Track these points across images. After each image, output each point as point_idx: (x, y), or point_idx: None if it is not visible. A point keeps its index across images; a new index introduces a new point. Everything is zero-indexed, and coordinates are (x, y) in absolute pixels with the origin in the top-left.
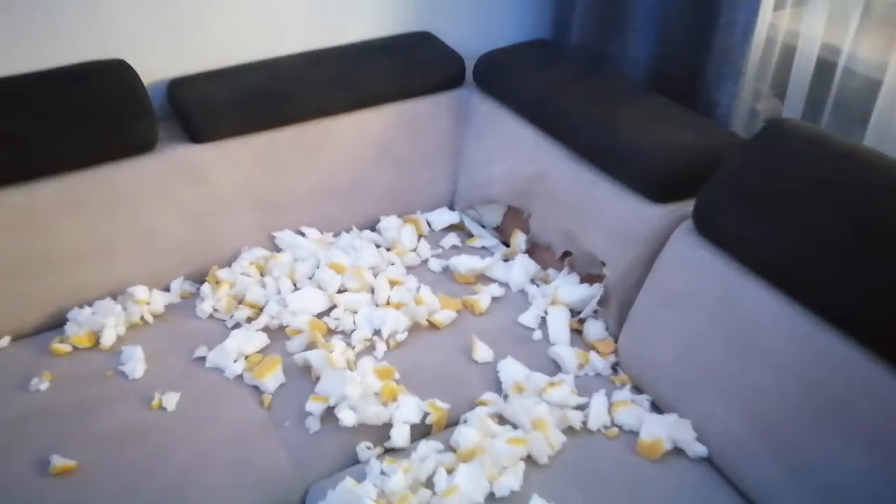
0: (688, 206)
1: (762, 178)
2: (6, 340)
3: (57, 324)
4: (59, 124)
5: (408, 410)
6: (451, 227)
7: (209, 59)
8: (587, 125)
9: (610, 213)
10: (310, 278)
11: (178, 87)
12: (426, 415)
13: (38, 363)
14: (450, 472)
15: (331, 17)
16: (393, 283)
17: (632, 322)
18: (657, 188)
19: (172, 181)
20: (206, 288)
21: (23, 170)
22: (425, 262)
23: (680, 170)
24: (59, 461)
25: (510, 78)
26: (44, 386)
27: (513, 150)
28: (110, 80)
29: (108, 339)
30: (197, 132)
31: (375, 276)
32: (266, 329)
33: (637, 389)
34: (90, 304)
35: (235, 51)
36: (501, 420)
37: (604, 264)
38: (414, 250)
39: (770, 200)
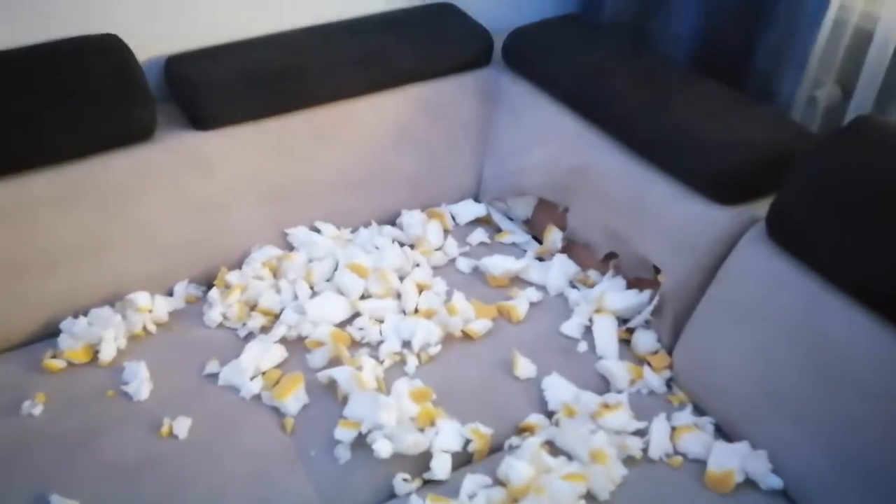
0: (756, 208)
1: (850, 181)
2: None
3: (48, 334)
4: (42, 109)
5: (448, 437)
6: (477, 221)
7: (209, 34)
8: (639, 114)
9: (667, 214)
10: (328, 280)
11: (177, 66)
12: (468, 441)
13: (28, 382)
14: None
15: None
16: (421, 288)
17: (690, 335)
18: (723, 188)
19: (173, 172)
20: (214, 293)
21: (2, 161)
22: (452, 261)
23: (750, 168)
24: (59, 502)
25: (545, 57)
26: (37, 410)
27: (550, 138)
28: (102, 57)
29: (107, 354)
30: (200, 117)
31: (401, 278)
32: (283, 340)
33: (697, 409)
34: (85, 313)
35: (238, 24)
36: (552, 448)
37: (658, 270)
38: (440, 248)
39: (861, 206)
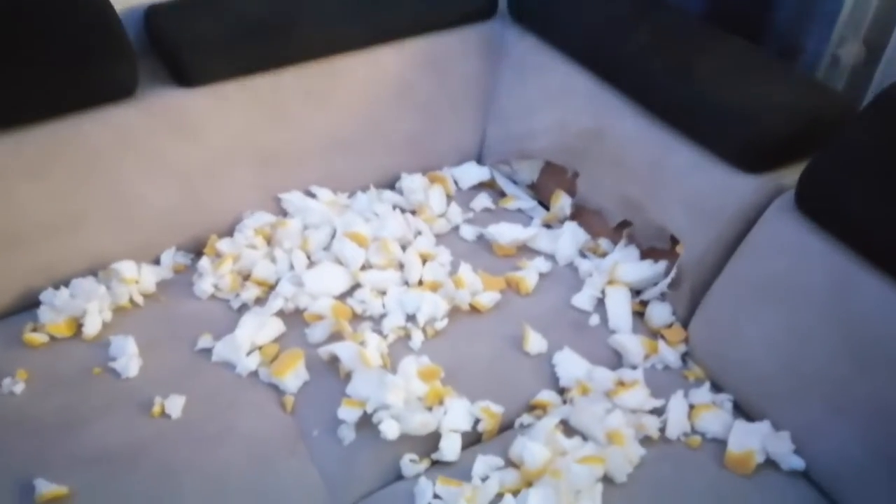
0: (782, 177)
1: (891, 150)
2: None
3: (26, 305)
4: (6, 65)
5: (457, 417)
6: (480, 186)
7: None
8: (659, 74)
9: (688, 181)
10: (325, 249)
11: (156, 17)
12: (477, 421)
13: (8, 358)
14: (515, 493)
15: None
16: (424, 258)
17: (708, 309)
18: (750, 155)
19: (154, 134)
20: (204, 262)
21: None
22: (456, 228)
23: (778, 134)
24: (46, 487)
25: (556, 10)
26: (18, 388)
27: (561, 99)
28: (74, 7)
29: (91, 328)
30: (184, 73)
31: (403, 247)
32: (280, 313)
33: (713, 385)
34: (66, 284)
35: None
36: (566, 428)
37: (675, 240)
38: (443, 215)
39: None
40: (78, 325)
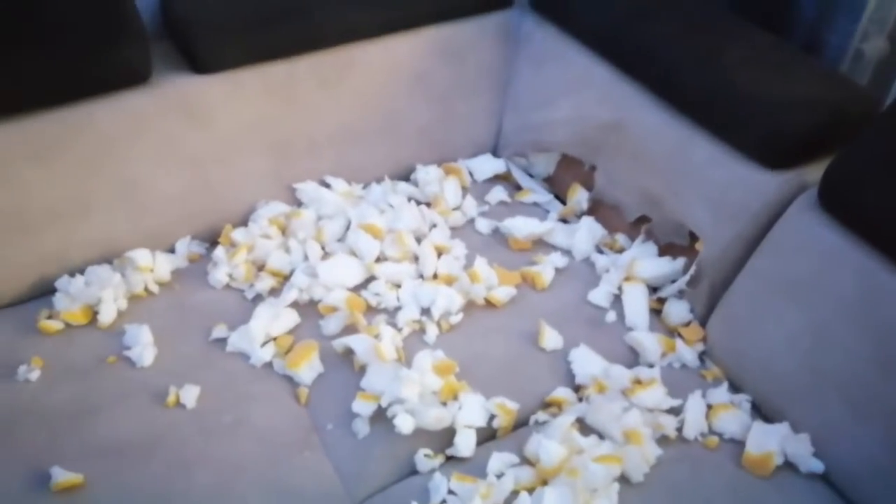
0: (806, 174)
1: None
2: None
3: (41, 292)
4: (16, 49)
5: (472, 412)
6: (495, 178)
7: None
8: (681, 67)
9: (709, 177)
10: (339, 241)
11: (171, 1)
12: (492, 417)
13: (23, 345)
14: (530, 491)
15: None
16: (439, 251)
17: (727, 307)
18: (773, 151)
19: (166, 121)
20: (219, 251)
21: None
22: (471, 221)
23: (804, 130)
24: (61, 475)
25: None
26: (34, 375)
27: (579, 90)
28: None
29: (107, 316)
30: (200, 60)
31: (417, 240)
32: (295, 304)
33: (731, 385)
34: (81, 271)
35: None
36: (582, 426)
37: (694, 237)
38: (458, 208)
39: None
40: (93, 313)
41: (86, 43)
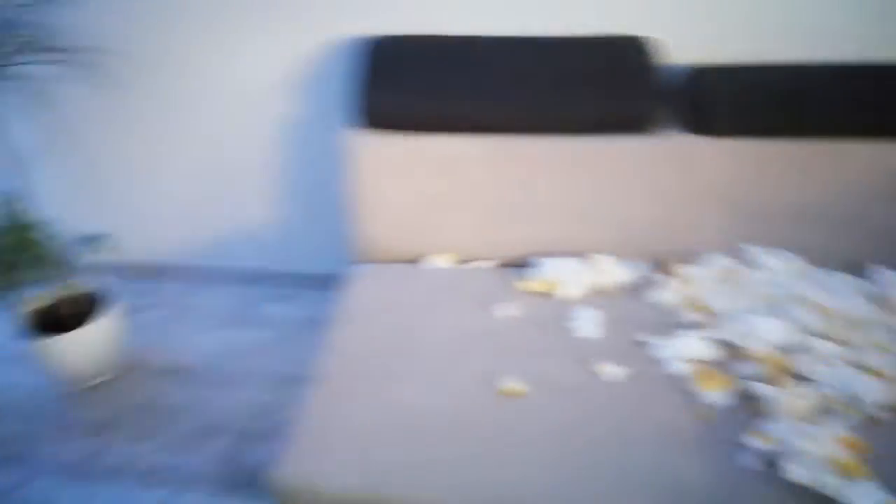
0: None
1: None
2: (492, 263)
3: (516, 264)
4: (559, 87)
5: (865, 498)
6: None
7: (734, 51)
8: None
9: None
10: (775, 306)
11: (700, 75)
12: None
13: (503, 292)
14: None
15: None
16: (878, 347)
17: None
18: None
19: (656, 163)
20: (664, 278)
21: (531, 124)
22: None
23: None
24: (510, 382)
25: None
26: (502, 313)
27: None
28: (623, 53)
29: (566, 293)
30: (702, 123)
31: (860, 330)
32: (717, 342)
33: None
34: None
35: (753, 47)
36: None
37: None
38: None
39: None
40: (555, 288)
41: (609, 91)
